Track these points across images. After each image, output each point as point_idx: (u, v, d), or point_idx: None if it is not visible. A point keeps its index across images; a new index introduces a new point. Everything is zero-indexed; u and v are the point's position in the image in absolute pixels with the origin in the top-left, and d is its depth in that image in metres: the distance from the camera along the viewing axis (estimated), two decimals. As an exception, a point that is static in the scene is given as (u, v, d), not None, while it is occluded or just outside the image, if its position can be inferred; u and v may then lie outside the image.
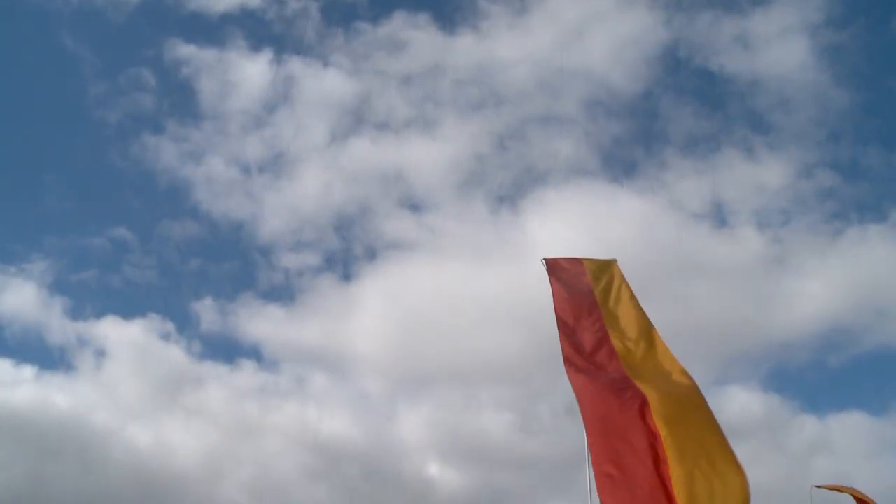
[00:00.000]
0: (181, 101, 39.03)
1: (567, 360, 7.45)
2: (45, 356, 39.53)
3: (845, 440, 31.85)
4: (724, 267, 33.58)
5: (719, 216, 35.28)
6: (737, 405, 34.61)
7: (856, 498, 14.31)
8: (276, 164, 37.84)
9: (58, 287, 36.41)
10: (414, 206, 37.68)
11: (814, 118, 35.79)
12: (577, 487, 8.64)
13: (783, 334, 33.71)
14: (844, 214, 35.20)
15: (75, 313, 38.43)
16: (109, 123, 38.41)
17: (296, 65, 38.73)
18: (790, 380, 35.48)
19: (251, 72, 37.82)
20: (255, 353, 39.23)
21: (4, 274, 36.06)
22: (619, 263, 8.93)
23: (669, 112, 37.45)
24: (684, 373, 7.23)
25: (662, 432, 6.47)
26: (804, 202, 35.65)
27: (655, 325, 8.10)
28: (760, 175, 35.44)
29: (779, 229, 34.78)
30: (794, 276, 34.21)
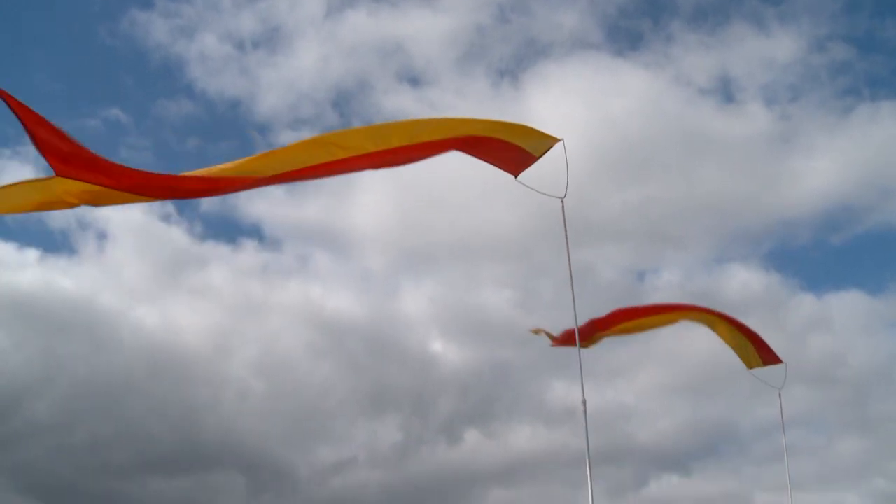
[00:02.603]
0: (170, -27, 37.48)
1: None
2: (48, 240, 39.73)
3: (842, 318, 32.38)
4: (729, 143, 33.14)
5: (726, 91, 34.46)
6: (737, 283, 35.00)
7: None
8: (270, 40, 36.77)
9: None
10: (413, 80, 36.88)
11: (829, -13, 34.40)
12: (577, 364, 8.73)
13: (786, 212, 33.67)
14: (856, 90, 34.25)
15: (75, 196, 38.48)
16: (95, -1, 37.04)
17: (288, -66, 37.05)
18: (791, 258, 35.71)
19: (242, -58, 36.22)
20: (256, 233, 39.48)
21: (0, 157, 35.72)
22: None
23: (678, -19, 36.01)
24: None
25: None
26: (815, 77, 34.75)
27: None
28: (770, 49, 34.38)
29: (787, 105, 34.06)
30: (800, 153, 33.81)
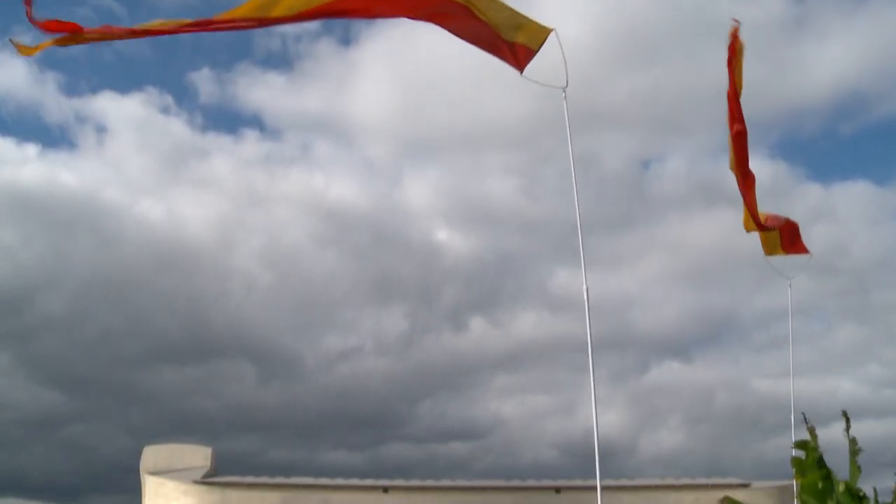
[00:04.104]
0: None
1: None
2: (46, 134, 39.30)
3: (847, 208, 32.34)
4: (741, 29, 32.23)
5: (740, -27, 33.22)
6: (743, 171, 34.78)
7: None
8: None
9: (48, 63, 35.43)
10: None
11: None
12: (580, 251, 8.70)
13: (796, 100, 33.05)
14: (876, -30, 32.90)
15: (70, 89, 37.64)
16: None
17: None
18: (799, 147, 35.37)
19: None
20: (257, 123, 39.12)
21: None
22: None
23: None
24: None
25: None
26: (832, -44, 33.35)
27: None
28: (788, -74, 32.88)
29: (802, -12, 32.85)
30: (814, 39, 32.90)
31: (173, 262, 60.42)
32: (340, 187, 67.99)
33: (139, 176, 68.56)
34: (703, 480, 36.63)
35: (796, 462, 11.29)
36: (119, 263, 58.41)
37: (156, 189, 69.23)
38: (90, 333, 59.61)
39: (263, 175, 70.09)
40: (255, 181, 68.34)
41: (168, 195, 68.64)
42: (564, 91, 7.36)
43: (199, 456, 39.42)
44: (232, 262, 63.58)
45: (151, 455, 38.74)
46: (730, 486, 33.08)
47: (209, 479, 37.52)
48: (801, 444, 11.43)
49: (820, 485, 10.67)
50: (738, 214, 14.56)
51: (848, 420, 11.51)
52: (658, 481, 38.59)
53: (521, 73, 7.73)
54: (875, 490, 11.89)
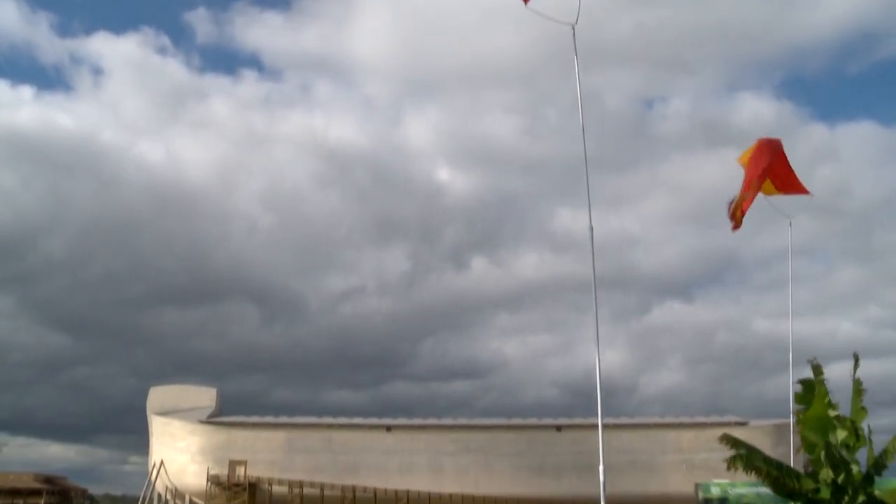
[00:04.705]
0: None
1: None
2: (41, 76, 39.02)
3: (852, 149, 32.24)
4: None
5: None
6: (748, 112, 34.54)
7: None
8: None
9: (39, 2, 34.91)
10: None
11: None
12: (583, 190, 8.64)
13: (801, 38, 32.64)
14: None
15: (63, 30, 37.17)
16: None
17: None
18: (804, 87, 35.09)
19: None
20: (255, 63, 38.91)
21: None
22: None
23: None
24: None
25: None
26: None
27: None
28: None
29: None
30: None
31: (173, 205, 60.23)
32: (341, 127, 67.28)
33: (137, 118, 67.71)
34: (701, 419, 37.20)
35: (799, 397, 11.39)
36: (119, 206, 58.21)
37: (154, 131, 68.55)
38: (92, 276, 59.78)
39: (263, 116, 69.36)
40: (254, 122, 67.64)
41: (167, 137, 67.94)
42: (574, 27, 6.94)
43: (204, 396, 40.01)
44: (233, 204, 63.30)
45: (157, 396, 39.31)
46: (728, 425, 33.59)
47: (214, 418, 38.12)
48: (803, 382, 11.56)
49: (822, 419, 10.77)
50: (740, 153, 14.49)
51: (857, 360, 11.63)
52: (657, 419, 39.18)
53: (526, 4, 7.37)
54: (869, 427, 12.09)
